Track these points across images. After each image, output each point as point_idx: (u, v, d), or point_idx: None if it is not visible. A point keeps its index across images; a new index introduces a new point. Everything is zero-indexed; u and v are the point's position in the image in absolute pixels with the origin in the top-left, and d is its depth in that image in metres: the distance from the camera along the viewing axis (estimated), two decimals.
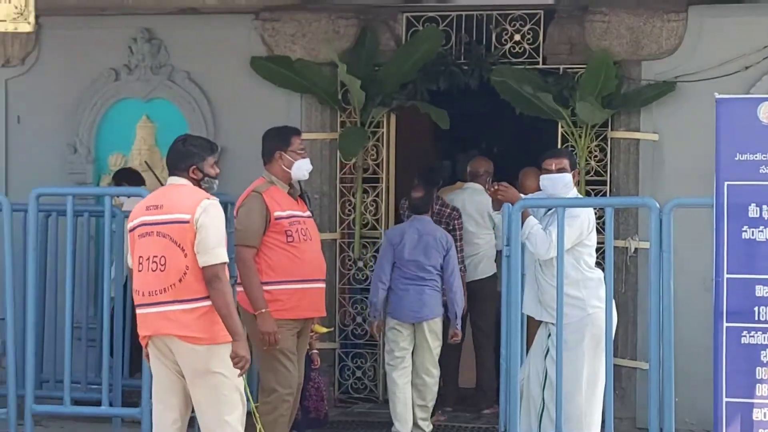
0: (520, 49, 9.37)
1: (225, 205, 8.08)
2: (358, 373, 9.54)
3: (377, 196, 9.57)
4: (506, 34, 9.39)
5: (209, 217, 6.03)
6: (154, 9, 9.58)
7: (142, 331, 6.17)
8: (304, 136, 9.21)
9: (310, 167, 7.31)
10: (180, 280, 6.01)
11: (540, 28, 9.33)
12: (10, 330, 7.81)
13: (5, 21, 7.25)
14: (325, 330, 7.65)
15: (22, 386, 7.83)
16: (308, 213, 7.24)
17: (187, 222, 6.01)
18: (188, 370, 6.07)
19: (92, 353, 8.64)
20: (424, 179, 9.02)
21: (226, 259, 6.09)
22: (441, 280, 8.51)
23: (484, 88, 9.45)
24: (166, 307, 6.03)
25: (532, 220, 7.14)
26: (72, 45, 9.91)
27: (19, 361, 7.92)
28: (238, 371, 6.04)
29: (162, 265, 6.03)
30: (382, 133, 9.54)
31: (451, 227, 8.97)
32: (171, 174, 6.29)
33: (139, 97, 9.87)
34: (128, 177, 9.50)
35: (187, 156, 6.25)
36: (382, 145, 9.55)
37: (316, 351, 7.56)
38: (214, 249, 6.01)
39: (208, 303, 6.02)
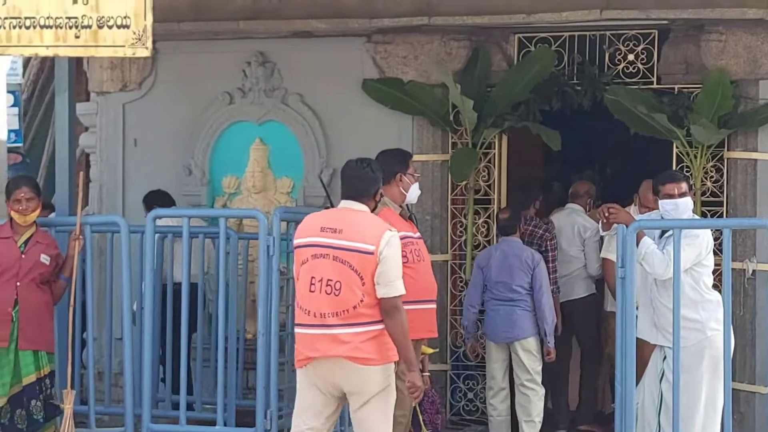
0: (633, 69, 9.27)
1: None
2: (470, 395, 9.50)
3: (488, 217, 9.53)
4: (620, 54, 9.30)
5: (392, 249, 6.11)
6: (267, 33, 9.68)
7: (306, 352, 6.14)
8: (416, 157, 9.30)
9: (419, 191, 7.31)
10: (354, 308, 6.05)
11: (654, 47, 9.23)
12: (128, 350, 7.93)
13: (124, 46, 7.36)
14: (431, 351, 7.64)
15: (138, 405, 7.94)
16: (418, 234, 7.24)
17: (371, 253, 6.06)
18: (357, 391, 6.11)
19: (206, 373, 8.73)
20: (513, 200, 9.10)
21: (404, 291, 6.15)
22: (532, 299, 8.58)
23: (596, 109, 9.36)
24: (337, 330, 6.05)
25: (647, 240, 7.07)
26: (187, 69, 10.06)
27: (136, 380, 8.03)
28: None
29: (337, 290, 6.05)
30: (494, 154, 9.51)
31: (543, 248, 8.98)
32: (348, 198, 6.26)
33: (252, 120, 9.98)
34: (158, 199, 9.59)
35: (374, 181, 6.28)
36: (494, 166, 9.52)
37: (427, 374, 7.55)
38: (394, 282, 6.10)
39: (379, 327, 6.09)
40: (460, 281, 9.53)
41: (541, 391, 8.65)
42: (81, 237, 7.87)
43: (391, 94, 9.47)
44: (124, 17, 7.29)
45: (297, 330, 6.21)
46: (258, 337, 7.79)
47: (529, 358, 8.58)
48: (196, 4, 9.69)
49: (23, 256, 7.68)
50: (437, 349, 9.00)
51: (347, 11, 9.41)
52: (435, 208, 9.50)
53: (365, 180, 6.27)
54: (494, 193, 9.52)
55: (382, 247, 6.07)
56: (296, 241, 6.23)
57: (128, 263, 7.99)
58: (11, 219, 7.81)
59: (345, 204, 6.29)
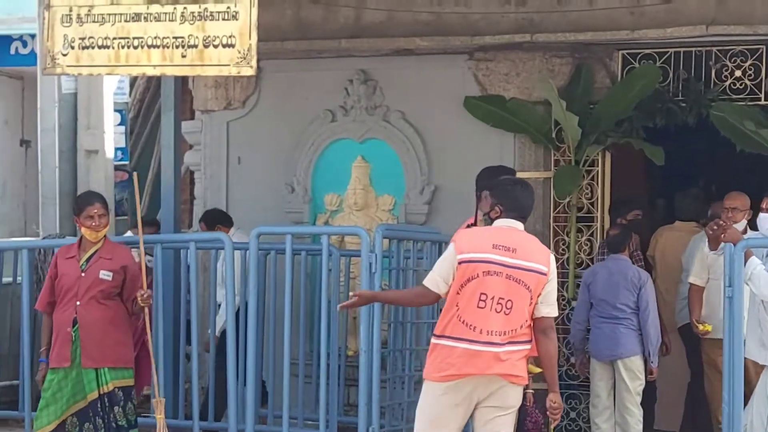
0: (740, 85, 9.13)
1: (439, 245, 8.17)
2: (572, 414, 9.41)
3: (591, 235, 9.45)
4: (726, 70, 9.17)
5: (555, 270, 6.23)
6: (369, 51, 9.73)
7: (464, 368, 6.09)
8: (518, 175, 9.26)
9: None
10: (521, 326, 6.10)
11: (762, 63, 9.07)
12: (232, 366, 8.00)
13: (229, 65, 7.45)
14: (538, 370, 7.58)
15: (242, 421, 8.00)
16: None
17: (545, 274, 6.11)
18: (500, 405, 6.15)
19: (308, 389, 8.77)
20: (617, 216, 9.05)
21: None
22: (637, 318, 8.50)
23: (701, 125, 9.24)
24: (501, 348, 6.07)
25: (755, 260, 6.95)
26: (290, 87, 10.15)
27: (239, 396, 8.09)
28: None
29: (508, 309, 6.06)
30: (597, 171, 9.43)
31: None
32: (512, 218, 6.24)
33: (354, 137, 10.02)
34: (217, 216, 9.70)
35: (533, 205, 6.36)
36: (597, 184, 9.44)
37: (531, 390, 7.51)
38: (555, 302, 6.22)
39: (529, 347, 6.17)
40: (563, 300, 9.45)
41: (638, 412, 8.55)
42: (150, 295, 7.71)
43: (493, 112, 9.45)
44: (230, 36, 7.39)
45: (453, 343, 6.09)
46: (360, 354, 7.81)
47: (631, 378, 8.50)
48: (300, 23, 9.79)
49: (83, 274, 7.63)
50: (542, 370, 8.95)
51: (449, 29, 9.42)
52: (537, 226, 9.44)
53: (531, 201, 6.33)
54: (597, 211, 9.44)
55: (551, 268, 6.16)
56: (466, 256, 6.11)
57: (232, 280, 8.07)
58: (81, 236, 7.76)
59: (507, 223, 6.23)
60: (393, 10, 9.50)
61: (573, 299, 9.39)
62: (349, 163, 10.02)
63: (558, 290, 9.31)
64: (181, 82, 10.34)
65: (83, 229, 7.69)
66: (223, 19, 7.42)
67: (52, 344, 7.60)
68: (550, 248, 9.40)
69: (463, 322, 6.07)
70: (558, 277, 9.26)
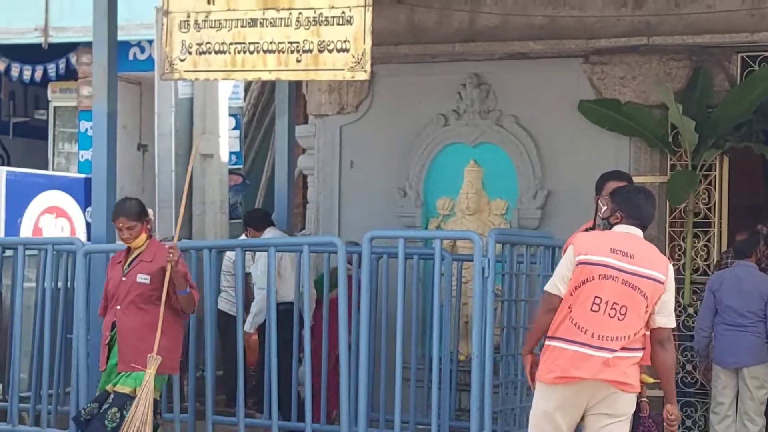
0: None
1: (553, 249, 8.10)
2: (688, 423, 9.26)
3: (708, 240, 9.30)
4: None
5: (673, 281, 6.14)
6: (483, 55, 9.70)
7: (572, 371, 6.05)
8: (633, 179, 9.15)
9: None
10: (635, 334, 6.03)
11: None
12: (344, 369, 8.02)
13: (343, 70, 7.49)
14: (651, 380, 7.45)
15: (354, 424, 8.02)
16: None
17: (662, 283, 6.04)
18: (606, 414, 6.08)
19: (420, 394, 8.76)
20: (746, 221, 8.88)
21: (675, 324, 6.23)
22: (765, 326, 8.34)
23: None
24: (612, 354, 6.01)
25: None
26: (403, 91, 10.17)
27: (351, 400, 8.11)
28: None
29: (622, 315, 6.01)
30: (714, 176, 9.28)
31: None
32: (631, 224, 6.17)
33: (467, 141, 10.00)
34: (259, 218, 9.82)
35: (654, 210, 6.29)
36: (714, 189, 9.29)
37: (645, 399, 7.39)
38: (672, 313, 6.13)
39: (641, 354, 6.10)
40: (678, 306, 9.31)
41: (762, 421, 8.40)
42: (175, 248, 7.48)
43: (608, 115, 9.35)
44: (344, 41, 7.42)
45: (563, 345, 6.05)
46: (472, 358, 7.78)
47: (756, 387, 8.35)
48: (414, 27, 9.80)
49: (123, 279, 7.54)
50: (658, 380, 8.81)
51: (564, 32, 9.35)
52: (652, 231, 9.29)
53: (653, 209, 6.27)
54: (714, 216, 9.29)
55: (669, 277, 6.07)
56: (584, 258, 6.06)
57: (345, 283, 8.09)
58: None
59: (626, 229, 6.16)
60: (507, 14, 9.47)
61: (689, 306, 9.25)
62: (461, 167, 10.00)
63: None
64: (296, 86, 10.44)
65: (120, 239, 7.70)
66: (338, 24, 7.45)
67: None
68: (665, 254, 9.28)
69: (575, 325, 6.02)
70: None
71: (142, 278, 7.50)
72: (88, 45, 12.51)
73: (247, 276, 9.54)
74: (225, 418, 8.77)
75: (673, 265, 9.15)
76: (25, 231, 11.76)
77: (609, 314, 5.98)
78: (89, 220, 10.52)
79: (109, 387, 7.46)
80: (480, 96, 9.91)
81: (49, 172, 13.63)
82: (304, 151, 11.59)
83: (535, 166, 9.73)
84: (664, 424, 6.24)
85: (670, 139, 9.25)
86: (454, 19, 9.68)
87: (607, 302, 5.99)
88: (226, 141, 13.05)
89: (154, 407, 7.43)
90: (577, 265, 6.07)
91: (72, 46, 14.65)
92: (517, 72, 9.75)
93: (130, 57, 14.21)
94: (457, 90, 9.97)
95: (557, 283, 6.15)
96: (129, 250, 7.65)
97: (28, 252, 9.02)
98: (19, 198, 11.90)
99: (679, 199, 9.14)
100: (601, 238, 6.17)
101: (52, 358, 8.81)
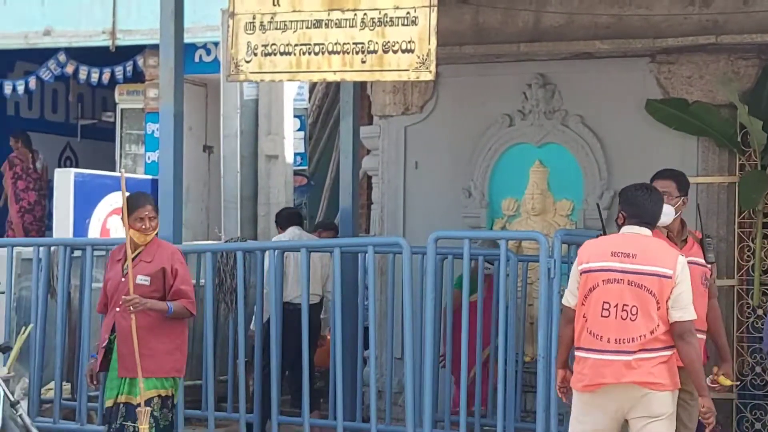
0: None
1: None
2: (758, 425, 9.14)
3: None
4: None
5: (686, 273, 6.15)
6: (548, 55, 9.65)
7: (596, 378, 6.13)
8: (701, 179, 9.07)
9: (671, 212, 6.85)
10: (651, 332, 6.08)
11: None
12: (409, 369, 8.02)
13: (408, 70, 7.48)
14: (729, 383, 7.34)
15: (419, 424, 8.01)
16: (691, 258, 6.70)
17: (669, 277, 6.09)
18: (644, 416, 6.11)
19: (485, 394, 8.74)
20: None
21: (696, 316, 6.17)
22: None
23: None
24: (632, 356, 6.07)
25: None
26: (467, 92, 10.14)
27: (416, 399, 8.11)
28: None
29: (634, 315, 6.08)
30: None
31: None
32: (634, 224, 6.27)
33: (532, 142, 9.95)
34: (284, 216, 10.05)
35: (661, 207, 6.35)
36: None
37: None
38: (689, 306, 6.12)
39: (670, 352, 6.12)
40: (747, 307, 9.20)
41: None
42: (134, 300, 7.17)
43: (676, 115, 9.26)
44: (409, 42, 7.42)
45: (584, 354, 6.18)
46: (538, 360, 7.74)
47: None
48: (478, 27, 9.77)
49: (123, 279, 7.33)
50: (737, 382, 8.73)
51: (630, 31, 9.27)
52: (720, 232, 9.21)
53: (656, 206, 6.31)
54: None
55: (678, 271, 6.08)
56: (585, 266, 6.23)
57: (410, 284, 8.09)
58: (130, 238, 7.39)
59: (630, 229, 6.28)
60: (573, 14, 9.41)
61: (758, 307, 9.13)
62: (526, 167, 9.95)
63: (742, 297, 9.15)
64: (360, 87, 10.44)
65: (132, 231, 7.37)
66: (403, 25, 7.45)
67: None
68: (734, 255, 9.19)
69: (590, 333, 6.14)
70: (742, 284, 9.17)
71: (142, 279, 7.32)
72: (155, 47, 12.67)
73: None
74: (290, 418, 8.81)
75: (741, 265, 9.13)
76: (93, 232, 11.90)
77: (621, 317, 6.06)
78: None
79: (120, 398, 7.37)
80: (545, 96, 9.85)
81: (116, 174, 13.76)
82: (368, 152, 11.60)
83: (601, 167, 9.65)
84: (700, 418, 6.20)
85: (739, 139, 9.14)
86: (518, 19, 9.63)
87: (616, 306, 6.08)
88: (291, 142, 13.12)
89: (164, 404, 7.34)
90: (580, 274, 6.22)
91: (139, 49, 14.79)
92: (583, 71, 9.68)
93: (196, 59, 14.31)
94: (522, 90, 9.92)
95: (568, 296, 6.33)
96: (126, 248, 7.38)
97: (96, 252, 9.11)
98: (88, 199, 12.04)
99: (751, 201, 9.02)
100: (603, 243, 6.30)
101: None
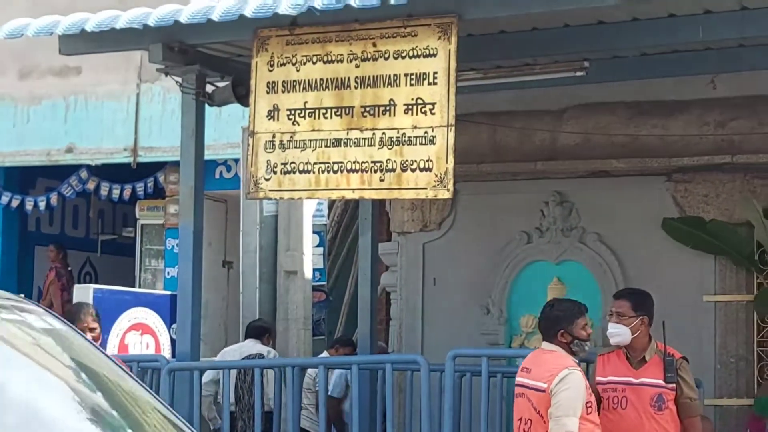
0: None
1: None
2: None
3: None
4: None
5: (565, 386, 6.27)
6: (565, 173, 9.73)
7: None
8: (719, 298, 9.07)
9: (617, 332, 6.88)
10: None
11: None
12: None
13: (426, 189, 7.53)
14: None
15: None
16: (642, 380, 6.80)
17: (543, 391, 6.30)
18: None
19: None
20: None
21: (574, 429, 6.22)
22: None
23: None
24: None
25: None
26: (485, 209, 10.20)
27: None
28: None
29: (528, 428, 6.36)
30: None
31: None
32: (543, 339, 6.60)
33: (549, 259, 9.98)
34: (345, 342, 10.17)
35: (555, 321, 6.54)
36: None
37: None
38: (561, 418, 6.23)
39: None
40: None
41: None
42: None
43: (693, 233, 9.30)
44: (427, 160, 7.48)
45: None
46: None
47: None
48: (496, 145, 9.87)
49: None
50: None
51: (646, 150, 9.35)
52: (740, 350, 9.18)
53: (546, 320, 6.59)
54: None
55: (553, 385, 6.25)
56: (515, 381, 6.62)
57: (428, 402, 8.05)
58: None
59: (543, 345, 6.60)
60: (589, 133, 9.50)
61: None
62: (544, 284, 9.96)
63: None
64: (379, 204, 10.52)
65: None
66: (421, 144, 7.52)
67: None
68: (754, 373, 9.13)
69: None
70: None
71: None
72: (175, 164, 12.78)
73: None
74: None
75: (760, 383, 9.06)
76: (111, 348, 11.89)
77: (524, 430, 6.36)
78: (174, 336, 10.62)
79: None
80: (563, 213, 9.91)
81: (136, 289, 13.81)
82: (387, 268, 11.62)
83: (618, 284, 9.64)
84: None
85: (756, 257, 9.15)
86: (535, 138, 9.74)
87: (521, 419, 6.41)
88: (309, 258, 13.14)
89: None
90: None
91: (160, 165, 14.94)
92: (600, 189, 9.75)
93: (216, 175, 14.43)
94: (540, 207, 9.98)
95: None
96: None
97: None
98: (106, 315, 12.02)
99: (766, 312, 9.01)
100: (526, 359, 6.64)
101: None
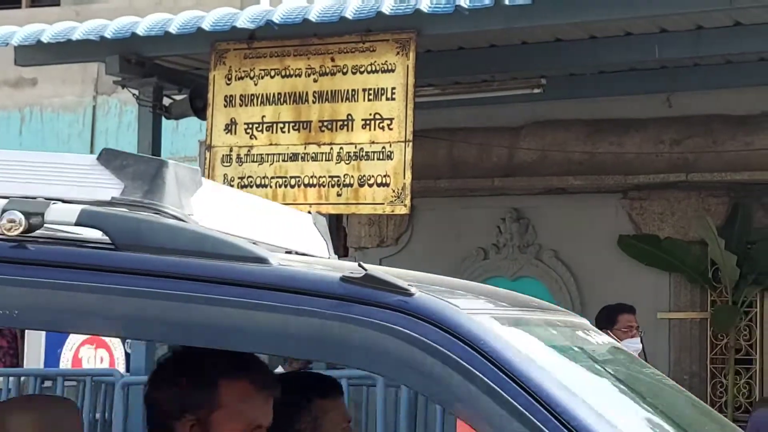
0: None
1: None
2: None
3: (750, 378, 9.19)
4: None
5: None
6: (522, 190, 9.76)
7: None
8: (673, 315, 9.13)
9: (638, 347, 7.03)
10: None
11: None
12: None
13: (383, 204, 7.56)
14: None
15: None
16: None
17: None
18: None
19: None
20: None
21: None
22: None
23: None
24: None
25: None
26: (443, 225, 10.22)
27: None
28: None
29: None
30: (755, 312, 9.21)
31: None
32: None
33: (506, 275, 10.00)
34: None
35: None
36: (755, 325, 9.21)
37: None
38: None
39: None
40: None
41: None
42: None
43: (648, 251, 9.35)
44: (384, 176, 7.50)
45: None
46: None
47: None
48: (454, 161, 9.89)
49: None
50: None
51: (603, 168, 9.41)
52: (693, 367, 9.24)
53: None
54: (756, 353, 9.19)
55: None
56: None
57: (384, 418, 8.04)
58: None
59: None
60: (546, 150, 9.55)
61: None
62: None
63: None
64: (336, 219, 10.51)
65: None
66: (378, 159, 7.54)
67: None
68: (706, 391, 9.19)
69: None
70: None
71: None
72: None
73: None
74: None
75: (714, 402, 9.13)
76: (65, 362, 11.78)
77: None
78: (129, 351, 10.54)
79: None
80: (519, 230, 9.94)
81: None
82: None
83: (574, 301, 9.69)
84: None
85: (710, 275, 9.22)
86: (492, 154, 9.77)
87: None
88: None
89: None
90: None
91: None
92: (557, 207, 9.79)
93: None
94: (497, 224, 10.01)
95: None
96: None
97: (67, 383, 9.03)
98: None
99: (722, 331, 9.07)
100: None
101: None
